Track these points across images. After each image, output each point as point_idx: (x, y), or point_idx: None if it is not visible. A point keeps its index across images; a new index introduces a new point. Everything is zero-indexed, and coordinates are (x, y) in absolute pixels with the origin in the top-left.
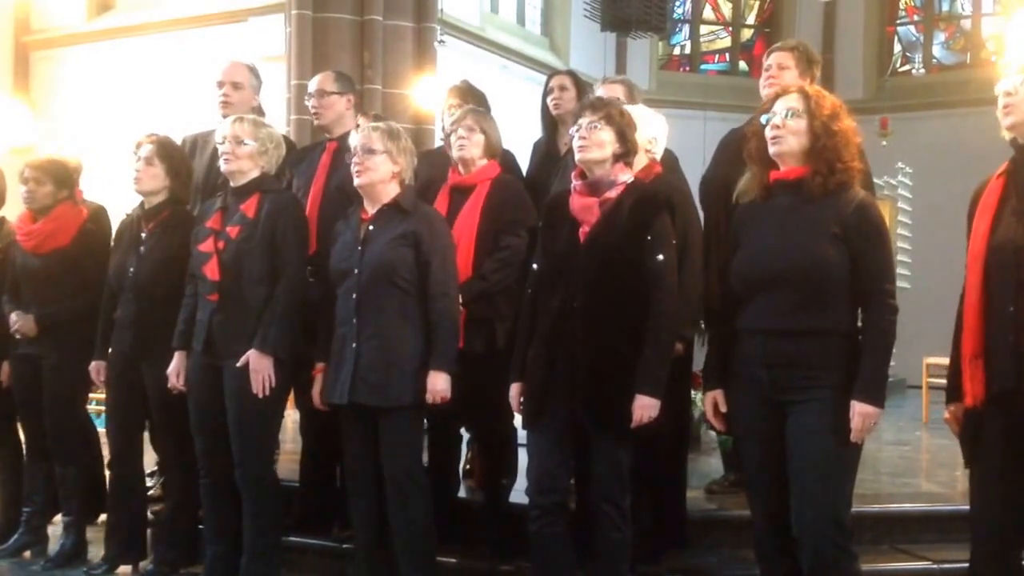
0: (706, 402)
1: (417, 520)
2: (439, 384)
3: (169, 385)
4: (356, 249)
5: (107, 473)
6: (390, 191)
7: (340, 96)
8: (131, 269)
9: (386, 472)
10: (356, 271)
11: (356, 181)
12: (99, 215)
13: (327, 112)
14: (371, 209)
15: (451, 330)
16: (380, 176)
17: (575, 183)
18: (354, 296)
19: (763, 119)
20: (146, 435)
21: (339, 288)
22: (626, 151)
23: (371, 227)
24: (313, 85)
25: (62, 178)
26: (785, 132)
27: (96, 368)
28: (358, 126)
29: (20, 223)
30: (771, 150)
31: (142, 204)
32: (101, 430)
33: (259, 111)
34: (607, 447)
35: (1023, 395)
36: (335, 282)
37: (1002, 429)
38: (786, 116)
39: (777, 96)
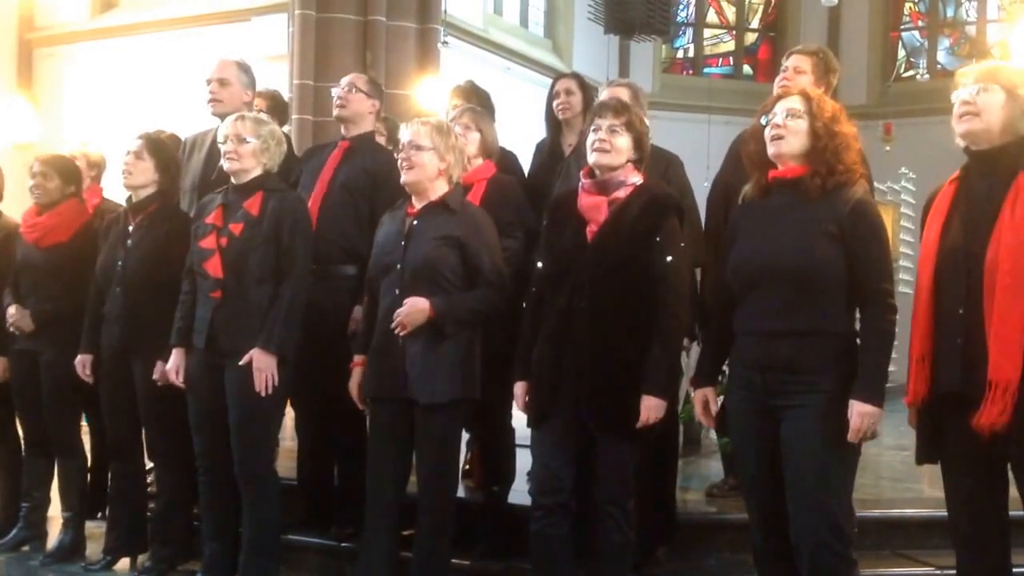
0: (696, 400)
1: (442, 519)
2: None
3: (158, 379)
4: (399, 244)
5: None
6: (438, 188)
7: (367, 98)
8: (119, 262)
9: (420, 469)
10: (399, 267)
11: (403, 178)
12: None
13: (350, 105)
14: (417, 205)
15: (485, 312)
16: (427, 173)
17: (584, 181)
18: (396, 291)
19: (763, 120)
20: None
21: (382, 282)
22: (639, 158)
23: (415, 222)
24: (346, 79)
25: (69, 174)
26: (785, 132)
27: (82, 362)
28: (372, 132)
29: (26, 216)
30: (770, 151)
31: (129, 198)
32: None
33: (267, 107)
34: (612, 448)
35: (969, 397)
36: (378, 276)
37: (955, 432)
38: (786, 117)
39: (778, 98)
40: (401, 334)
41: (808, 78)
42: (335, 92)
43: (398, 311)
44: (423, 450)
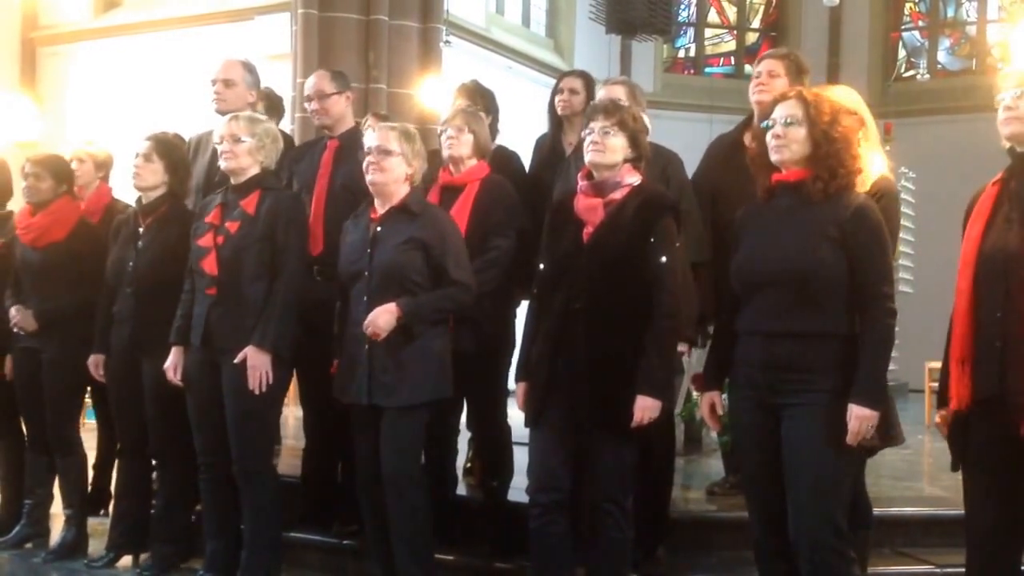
0: (703, 403)
1: (415, 515)
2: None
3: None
4: (365, 251)
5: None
6: (401, 192)
7: (339, 95)
8: (129, 263)
9: (385, 469)
10: (366, 273)
11: (369, 178)
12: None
13: (330, 112)
14: (380, 209)
15: (452, 311)
16: (394, 177)
17: (581, 183)
18: (365, 299)
19: (763, 124)
20: None
21: (351, 289)
22: (637, 156)
23: (379, 228)
24: (310, 87)
25: (61, 173)
26: (786, 140)
27: (95, 362)
28: (357, 123)
29: (20, 217)
30: (772, 158)
31: (139, 199)
32: (91, 422)
33: (264, 106)
34: (609, 447)
35: (1007, 401)
36: (346, 283)
37: (988, 434)
38: (785, 124)
39: (776, 101)
40: (377, 339)
41: (783, 80)
42: (308, 106)
43: (365, 323)
44: (387, 451)
